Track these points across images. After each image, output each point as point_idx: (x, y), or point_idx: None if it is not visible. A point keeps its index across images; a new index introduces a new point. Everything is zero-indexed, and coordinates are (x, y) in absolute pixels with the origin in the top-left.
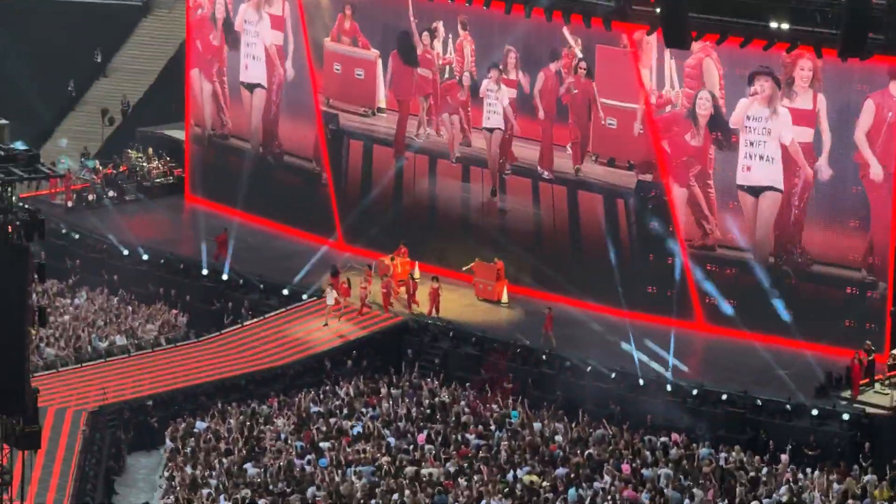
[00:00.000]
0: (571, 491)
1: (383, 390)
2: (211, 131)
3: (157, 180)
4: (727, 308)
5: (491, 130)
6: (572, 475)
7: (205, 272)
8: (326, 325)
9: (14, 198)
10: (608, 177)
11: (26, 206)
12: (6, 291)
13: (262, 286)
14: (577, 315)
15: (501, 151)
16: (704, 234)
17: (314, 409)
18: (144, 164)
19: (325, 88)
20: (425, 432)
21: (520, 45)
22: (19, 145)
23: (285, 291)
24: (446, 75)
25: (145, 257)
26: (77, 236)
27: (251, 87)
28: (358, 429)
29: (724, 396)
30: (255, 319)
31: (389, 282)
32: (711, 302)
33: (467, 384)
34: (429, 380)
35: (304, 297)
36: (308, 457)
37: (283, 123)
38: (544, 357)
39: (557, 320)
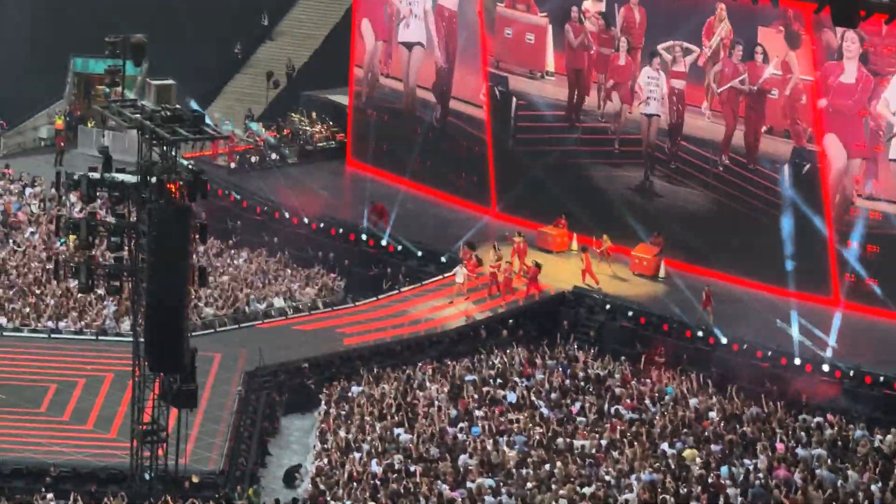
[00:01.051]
0: (724, 468)
1: (538, 361)
2: (372, 95)
3: (320, 144)
4: (876, 288)
5: (649, 116)
6: (725, 452)
7: (364, 237)
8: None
9: (178, 158)
10: (769, 147)
11: (190, 167)
12: (168, 250)
13: (420, 253)
14: (733, 291)
15: (671, 137)
16: (854, 209)
17: (468, 377)
18: (307, 128)
19: (495, 52)
20: (578, 404)
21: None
22: (193, 105)
23: (443, 259)
24: (618, 49)
25: (305, 220)
26: (239, 198)
27: (409, 46)
28: (511, 398)
29: (882, 378)
30: (413, 286)
31: (510, 269)
32: (862, 280)
33: (622, 357)
34: (583, 352)
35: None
36: (461, 424)
37: (447, 86)
38: (700, 333)
39: (715, 296)
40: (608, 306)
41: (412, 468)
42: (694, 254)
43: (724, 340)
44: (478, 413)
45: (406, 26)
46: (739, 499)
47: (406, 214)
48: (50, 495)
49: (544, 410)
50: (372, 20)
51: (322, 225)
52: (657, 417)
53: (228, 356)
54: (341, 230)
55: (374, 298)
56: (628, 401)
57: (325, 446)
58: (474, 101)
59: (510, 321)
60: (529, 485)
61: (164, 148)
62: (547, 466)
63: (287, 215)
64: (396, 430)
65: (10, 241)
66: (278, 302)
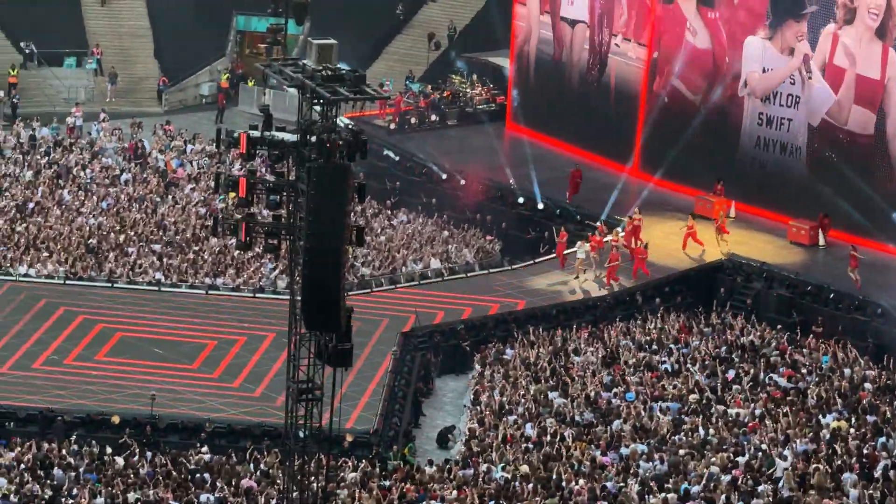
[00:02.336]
0: (880, 439)
1: (694, 327)
2: (535, 60)
3: (480, 107)
4: None
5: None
6: (880, 424)
7: (521, 200)
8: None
9: (339, 117)
10: None
11: (350, 126)
12: (326, 209)
13: (578, 216)
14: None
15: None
16: None
17: (623, 342)
18: (468, 89)
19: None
20: (733, 372)
21: None
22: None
23: (598, 223)
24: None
25: (462, 182)
26: (398, 158)
27: (573, 23)
28: (666, 365)
29: None
30: (569, 250)
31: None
32: None
33: (778, 326)
34: (739, 320)
35: (619, 230)
36: (615, 390)
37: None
38: (857, 303)
39: (875, 267)
40: (765, 274)
41: (565, 432)
42: (854, 225)
43: (879, 310)
44: (632, 378)
45: (570, 4)
46: (892, 472)
47: (563, 177)
48: (205, 449)
49: (699, 377)
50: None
51: (480, 187)
52: (812, 387)
53: (383, 316)
54: (500, 193)
55: (531, 262)
56: (783, 369)
57: (479, 408)
58: (633, 63)
59: (666, 288)
60: (682, 451)
61: (325, 107)
62: (701, 433)
63: (445, 177)
64: (550, 394)
65: (170, 197)
66: (435, 263)
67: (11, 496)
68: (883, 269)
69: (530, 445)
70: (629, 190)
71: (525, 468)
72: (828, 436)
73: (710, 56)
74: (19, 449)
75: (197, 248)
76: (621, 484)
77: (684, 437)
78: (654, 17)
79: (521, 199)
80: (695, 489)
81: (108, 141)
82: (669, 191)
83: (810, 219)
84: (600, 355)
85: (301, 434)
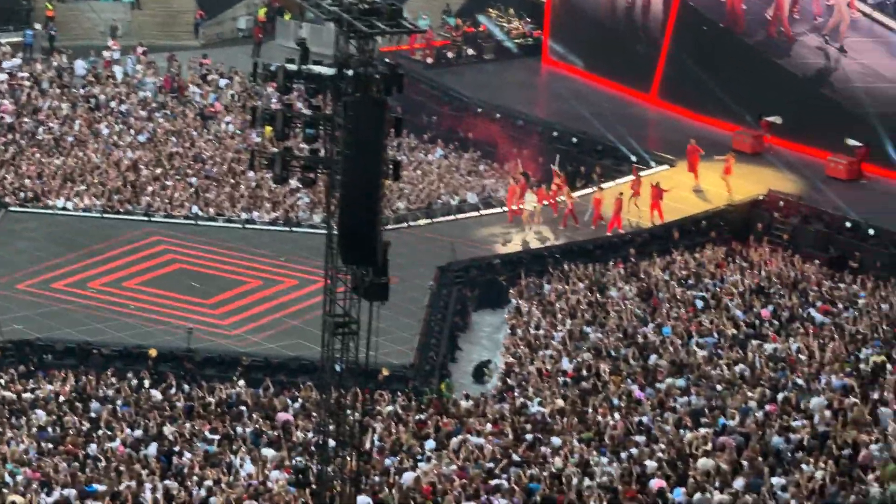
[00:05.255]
0: None
1: (730, 262)
2: None
3: (517, 41)
4: None
5: None
6: None
7: (555, 134)
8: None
9: (375, 51)
10: None
11: (387, 60)
12: (363, 143)
13: (618, 152)
14: None
15: None
16: None
17: (660, 276)
18: (504, 24)
19: None
20: (770, 307)
21: None
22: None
23: (633, 158)
24: None
25: (498, 116)
26: (435, 93)
27: None
28: (703, 299)
29: None
30: (606, 185)
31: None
32: None
33: (815, 261)
34: (776, 255)
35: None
36: (651, 324)
37: None
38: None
39: None
40: (803, 210)
41: (601, 367)
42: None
43: None
44: (669, 313)
45: None
46: None
47: (600, 112)
48: (241, 382)
49: (736, 312)
50: None
51: (519, 122)
52: (850, 322)
53: (422, 251)
54: (538, 128)
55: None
56: (820, 304)
57: (516, 342)
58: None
59: (703, 222)
60: (719, 386)
61: (362, 41)
62: (737, 368)
63: (480, 110)
64: (587, 329)
65: (207, 130)
66: (472, 197)
67: (49, 428)
68: None
69: (567, 380)
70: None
71: (560, 402)
72: (867, 370)
73: None
74: (58, 381)
75: (233, 182)
76: (657, 419)
77: (721, 372)
78: None
79: (554, 133)
80: (731, 423)
81: (144, 74)
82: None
83: (848, 154)
84: (637, 290)
85: (337, 368)
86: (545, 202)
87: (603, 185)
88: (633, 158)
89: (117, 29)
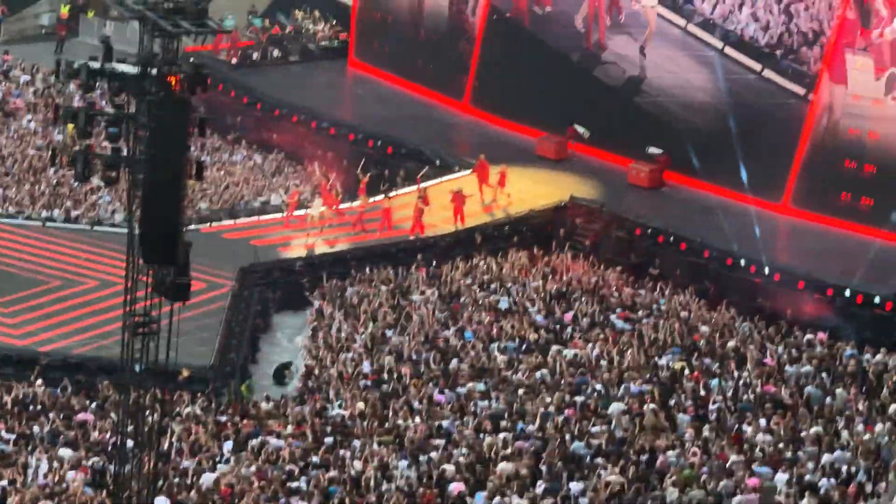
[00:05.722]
0: (714, 381)
1: (532, 268)
2: None
3: (322, 43)
4: None
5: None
6: (715, 366)
7: (359, 136)
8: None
9: (180, 50)
10: None
11: (191, 60)
12: (167, 142)
13: (422, 155)
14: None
15: None
16: None
17: (462, 281)
18: (311, 25)
19: None
20: (571, 313)
21: None
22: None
23: (437, 162)
24: None
25: (303, 118)
26: (239, 94)
27: None
28: (505, 304)
29: (877, 299)
30: (408, 189)
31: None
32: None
33: (617, 268)
34: (578, 260)
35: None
36: (453, 328)
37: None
38: (692, 246)
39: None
40: (604, 216)
41: (403, 370)
42: (694, 168)
43: (715, 253)
44: (471, 317)
45: None
46: (727, 411)
47: (407, 116)
48: (39, 381)
49: (537, 317)
50: None
51: (323, 124)
52: (649, 329)
53: (222, 251)
54: (341, 130)
55: (370, 200)
56: (620, 311)
57: (317, 345)
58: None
59: (505, 227)
60: (520, 391)
61: (166, 40)
62: (538, 374)
63: (285, 113)
64: (388, 332)
65: (8, 127)
66: (275, 199)
67: None
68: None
69: (368, 383)
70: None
71: (361, 405)
72: (665, 377)
73: None
74: None
75: (34, 180)
76: (457, 423)
77: (522, 377)
78: None
79: (360, 136)
80: (530, 428)
81: None
82: (507, 130)
83: (650, 162)
84: (439, 294)
85: (137, 368)
86: (333, 207)
87: (391, 194)
88: (437, 162)
89: None
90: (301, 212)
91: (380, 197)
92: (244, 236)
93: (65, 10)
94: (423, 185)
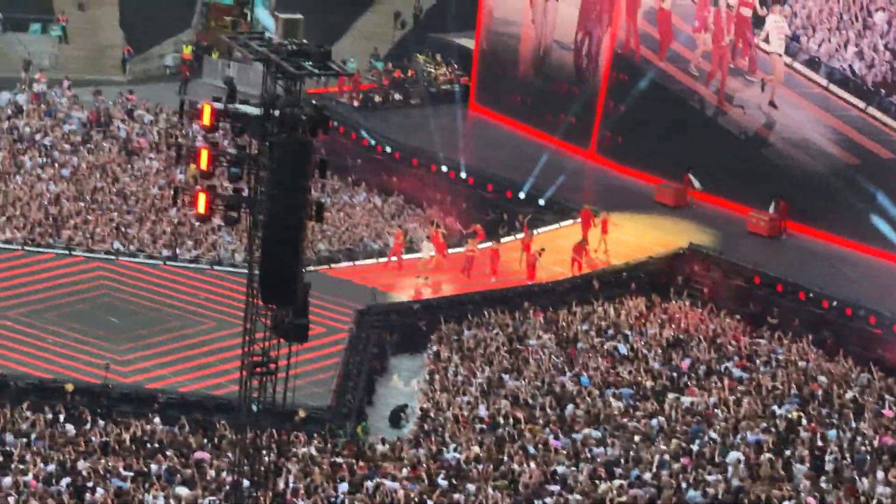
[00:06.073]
0: (832, 432)
1: (650, 314)
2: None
3: (444, 87)
4: None
5: None
6: (833, 416)
7: (478, 180)
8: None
9: (302, 92)
10: None
11: (313, 102)
12: (287, 184)
13: (540, 201)
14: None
15: None
16: None
17: (579, 327)
18: (432, 69)
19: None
20: (688, 360)
21: None
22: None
23: (541, 201)
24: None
25: (424, 162)
26: (360, 136)
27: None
28: (622, 350)
29: None
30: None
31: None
32: None
33: (736, 316)
34: (695, 308)
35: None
36: (569, 374)
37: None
38: (811, 295)
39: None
40: (723, 264)
41: (518, 415)
42: (814, 216)
43: (834, 303)
44: (587, 363)
45: None
46: (844, 463)
47: (526, 159)
48: (157, 419)
49: (654, 364)
50: None
51: (444, 168)
52: (767, 378)
53: (340, 293)
54: (463, 174)
55: (491, 244)
56: (738, 359)
57: (433, 388)
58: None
59: (623, 273)
60: (635, 438)
61: (289, 82)
62: (654, 421)
63: (405, 155)
64: (504, 376)
65: (131, 166)
66: (412, 238)
67: None
68: (841, 262)
69: (483, 427)
70: (585, 175)
71: (476, 449)
72: (781, 426)
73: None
74: None
75: (155, 219)
76: (572, 468)
77: (638, 424)
78: None
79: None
80: (645, 476)
81: (70, 108)
82: (627, 176)
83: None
84: (556, 339)
85: (254, 407)
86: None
87: (502, 239)
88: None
89: (31, 63)
90: (411, 256)
91: (488, 243)
92: (359, 277)
93: (188, 51)
94: (536, 230)
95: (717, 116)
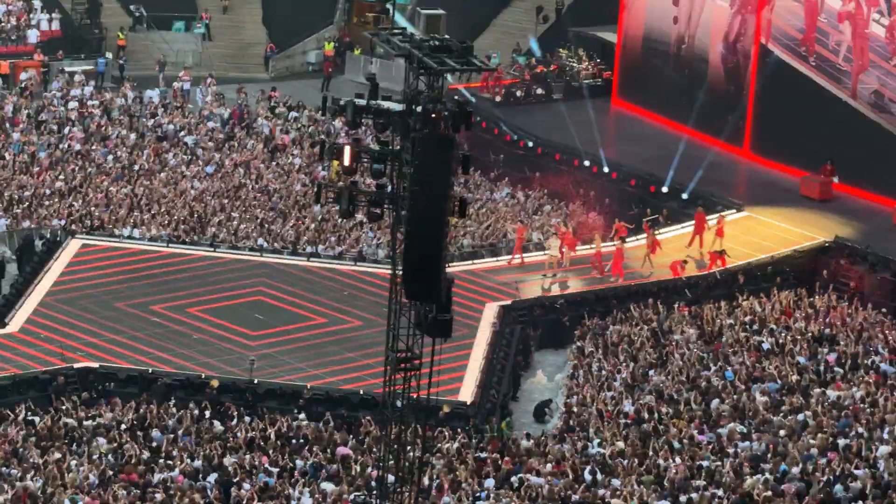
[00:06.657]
0: None
1: (795, 309)
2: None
3: (586, 81)
4: None
5: None
6: None
7: (621, 175)
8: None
9: (444, 88)
10: None
11: (456, 97)
12: (430, 180)
13: (685, 196)
14: None
15: None
16: None
17: (724, 321)
18: (574, 64)
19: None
20: (835, 354)
21: None
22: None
23: (684, 195)
24: None
25: (564, 156)
26: (502, 131)
27: None
28: (767, 345)
29: None
30: (671, 227)
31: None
32: None
33: (882, 309)
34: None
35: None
36: (714, 368)
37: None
38: None
39: None
40: (869, 257)
41: (663, 409)
42: None
43: None
44: (732, 358)
45: None
46: None
47: (668, 154)
48: (302, 415)
49: (800, 358)
50: None
51: (586, 163)
52: None
53: (483, 289)
54: (605, 169)
55: (633, 238)
56: (886, 353)
57: (577, 383)
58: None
59: (769, 268)
60: (781, 433)
61: (431, 77)
62: (800, 416)
63: (548, 151)
64: (649, 371)
65: (274, 163)
66: (536, 236)
67: (109, 456)
68: None
69: (628, 422)
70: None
71: (621, 444)
72: None
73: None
74: (119, 409)
75: (299, 216)
76: (717, 463)
77: (784, 419)
78: None
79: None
80: (793, 470)
81: (213, 106)
82: (773, 170)
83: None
84: (700, 334)
85: (399, 403)
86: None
87: (627, 238)
88: (700, 202)
89: (165, 64)
90: (539, 254)
91: (617, 241)
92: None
93: (329, 48)
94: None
95: (863, 107)
